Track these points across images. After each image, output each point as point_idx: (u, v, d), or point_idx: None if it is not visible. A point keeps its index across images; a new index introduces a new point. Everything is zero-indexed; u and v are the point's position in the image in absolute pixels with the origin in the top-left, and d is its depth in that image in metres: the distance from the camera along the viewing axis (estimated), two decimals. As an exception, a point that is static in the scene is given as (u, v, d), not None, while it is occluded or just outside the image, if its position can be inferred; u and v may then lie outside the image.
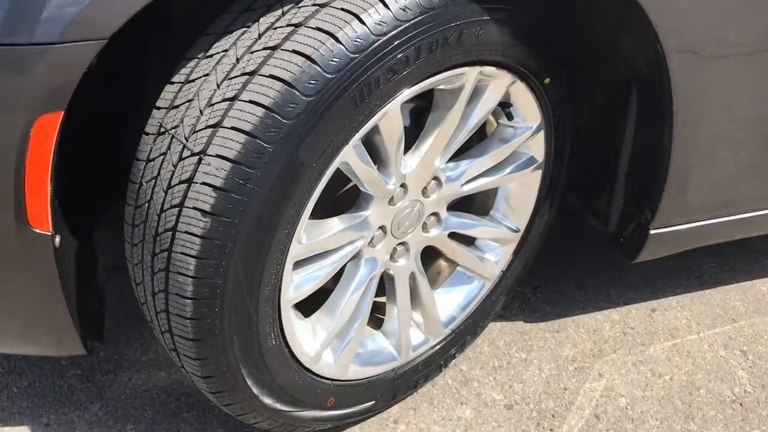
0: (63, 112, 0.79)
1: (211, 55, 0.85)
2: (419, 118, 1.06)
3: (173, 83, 0.87)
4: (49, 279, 0.89)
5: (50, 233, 0.85)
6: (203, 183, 0.81)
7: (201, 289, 0.85)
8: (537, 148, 1.16)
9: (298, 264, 0.97)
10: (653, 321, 1.39)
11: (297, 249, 0.93)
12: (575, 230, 1.48)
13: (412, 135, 1.03)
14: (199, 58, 0.86)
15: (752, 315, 1.41)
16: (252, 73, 0.81)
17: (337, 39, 0.81)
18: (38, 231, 0.84)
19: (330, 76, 0.81)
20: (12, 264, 0.87)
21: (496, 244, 1.25)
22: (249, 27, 0.85)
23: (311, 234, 0.95)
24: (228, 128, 0.80)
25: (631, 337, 1.36)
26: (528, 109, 1.10)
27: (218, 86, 0.83)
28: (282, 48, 0.81)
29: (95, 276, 1.16)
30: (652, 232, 1.19)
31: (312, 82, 0.80)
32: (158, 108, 0.88)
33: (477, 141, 1.16)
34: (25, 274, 0.89)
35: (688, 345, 1.34)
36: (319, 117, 0.82)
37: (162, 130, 0.86)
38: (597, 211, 1.30)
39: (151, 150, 0.87)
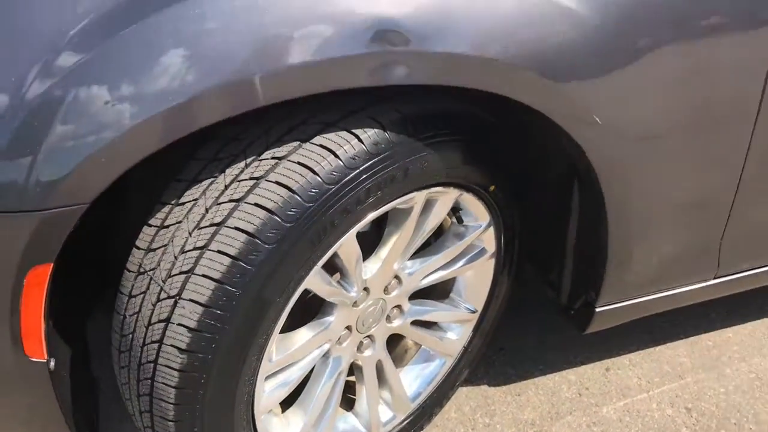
0: (52, 264, 0.89)
1: (183, 203, 0.96)
2: (380, 224, 1.17)
3: (150, 226, 0.98)
4: (46, 399, 0.99)
5: (45, 360, 0.96)
6: (179, 324, 0.92)
7: (180, 412, 0.96)
8: (489, 241, 1.27)
9: (270, 375, 1.08)
10: (607, 381, 1.51)
11: (267, 367, 1.04)
12: (538, 289, 1.58)
13: (373, 239, 1.14)
14: (172, 204, 0.97)
15: (698, 371, 1.53)
16: (219, 224, 0.91)
17: (293, 191, 0.91)
18: (34, 360, 0.95)
19: (288, 224, 0.91)
20: (9, 388, 0.98)
21: (458, 324, 1.36)
22: (216, 177, 0.95)
23: (280, 349, 1.06)
24: (199, 275, 0.91)
25: (586, 398, 1.47)
26: (477, 211, 1.21)
27: (190, 234, 0.93)
28: (245, 201, 0.92)
29: (88, 364, 1.26)
30: (597, 310, 1.30)
31: (272, 231, 0.91)
32: (138, 248, 0.98)
33: (435, 238, 1.27)
34: (22, 397, 0.99)
35: (639, 404, 1.46)
36: (280, 260, 0.92)
37: (142, 270, 0.97)
38: (551, 283, 1.41)
39: (132, 287, 0.98)
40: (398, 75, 0.90)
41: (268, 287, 0.93)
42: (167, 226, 0.96)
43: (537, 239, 1.37)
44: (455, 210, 1.21)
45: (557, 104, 0.99)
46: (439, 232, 1.27)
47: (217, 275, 0.90)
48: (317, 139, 0.94)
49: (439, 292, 1.35)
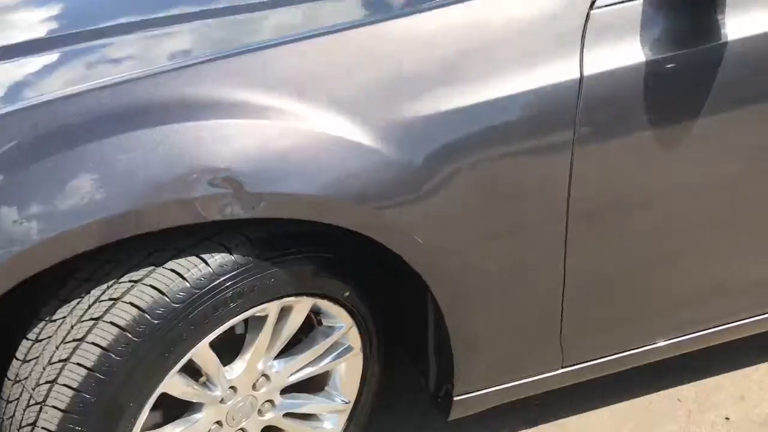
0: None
1: (55, 320, 1.11)
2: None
3: (28, 339, 1.13)
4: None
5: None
6: (43, 427, 1.06)
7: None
8: (354, 339, 1.42)
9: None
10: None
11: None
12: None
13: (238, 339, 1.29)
14: (46, 321, 1.12)
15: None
16: (80, 340, 1.07)
17: (143, 310, 1.07)
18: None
19: (138, 340, 1.07)
20: None
21: (333, 414, 1.50)
22: (83, 297, 1.11)
23: (146, 447, 1.20)
24: (61, 384, 1.06)
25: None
26: (338, 313, 1.37)
27: (56, 348, 1.09)
28: (102, 319, 1.08)
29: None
30: (455, 398, 1.44)
31: (123, 345, 1.07)
32: (16, 359, 1.14)
33: (305, 335, 1.42)
34: None
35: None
36: (132, 371, 1.08)
37: (18, 378, 1.12)
38: (422, 372, 1.55)
39: (10, 393, 1.13)
40: (238, 211, 1.08)
41: (121, 394, 1.08)
42: (40, 340, 1.11)
43: (405, 332, 1.53)
44: (317, 314, 1.37)
45: (377, 228, 1.16)
46: (310, 330, 1.42)
47: (74, 384, 1.05)
48: (169, 264, 1.11)
49: (315, 384, 1.49)
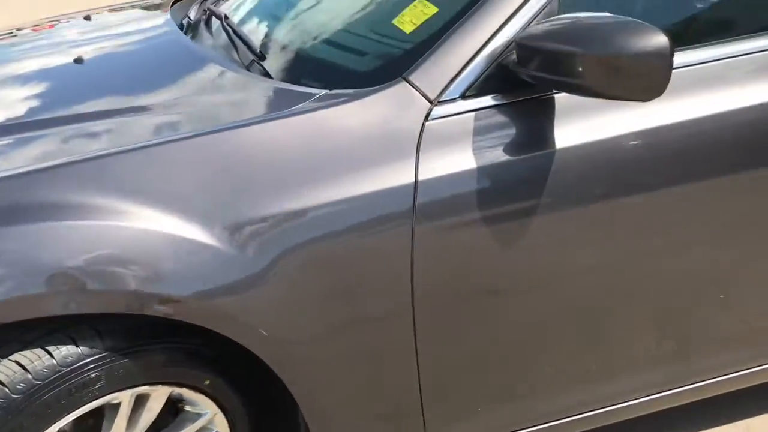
0: None
1: None
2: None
3: None
4: None
5: None
6: None
7: None
8: (222, 425, 1.46)
9: None
10: None
11: None
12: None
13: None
14: None
15: None
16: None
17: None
18: None
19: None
20: None
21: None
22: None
23: None
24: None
25: None
26: (201, 400, 1.41)
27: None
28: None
29: None
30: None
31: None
32: None
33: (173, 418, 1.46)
34: None
35: None
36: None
37: None
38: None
39: None
40: (79, 307, 1.14)
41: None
42: None
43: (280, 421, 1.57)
44: (179, 401, 1.41)
45: (221, 322, 1.22)
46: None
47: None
48: (14, 356, 1.17)
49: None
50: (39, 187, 1.15)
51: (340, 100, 1.29)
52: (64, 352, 1.18)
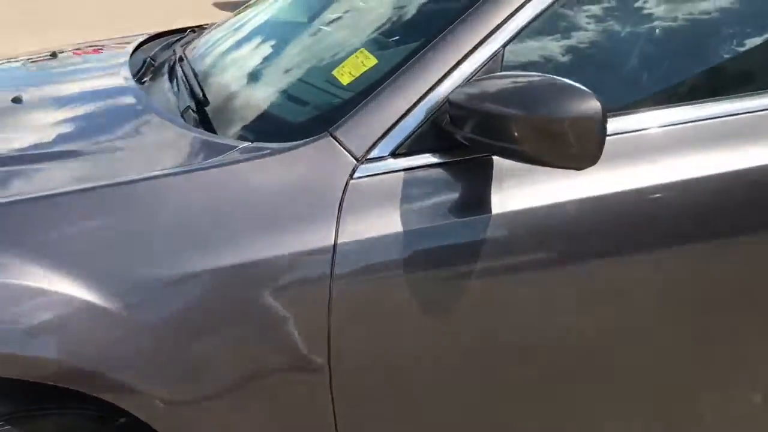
0: None
1: None
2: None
3: None
4: None
5: None
6: None
7: None
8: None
9: None
10: None
11: None
12: None
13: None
14: None
15: None
16: None
17: None
18: None
19: None
20: None
21: None
22: None
23: None
24: None
25: None
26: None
27: None
28: None
29: None
30: None
31: None
32: None
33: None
34: None
35: None
36: None
37: None
38: None
39: None
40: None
41: None
42: None
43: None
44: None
45: (111, 388, 1.13)
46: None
47: None
48: None
49: None
50: None
51: (259, 153, 1.22)
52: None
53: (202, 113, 1.46)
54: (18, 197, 1.13)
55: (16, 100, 1.60)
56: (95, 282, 1.09)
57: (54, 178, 1.24)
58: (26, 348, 1.07)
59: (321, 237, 1.17)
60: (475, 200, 1.25)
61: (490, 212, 1.23)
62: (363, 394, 1.27)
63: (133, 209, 1.15)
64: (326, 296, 1.18)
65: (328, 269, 1.17)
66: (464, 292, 1.24)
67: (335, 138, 1.22)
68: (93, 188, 1.14)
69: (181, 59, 1.80)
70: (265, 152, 1.22)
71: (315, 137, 1.23)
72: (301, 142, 1.23)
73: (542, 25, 1.32)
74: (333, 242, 1.17)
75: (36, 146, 1.36)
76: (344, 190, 1.19)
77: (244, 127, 1.39)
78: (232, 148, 1.24)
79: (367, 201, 1.20)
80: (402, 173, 1.22)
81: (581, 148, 1.10)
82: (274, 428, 1.26)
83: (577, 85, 1.11)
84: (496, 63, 1.27)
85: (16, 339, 1.07)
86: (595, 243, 1.26)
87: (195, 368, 1.16)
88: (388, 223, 1.20)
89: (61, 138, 1.41)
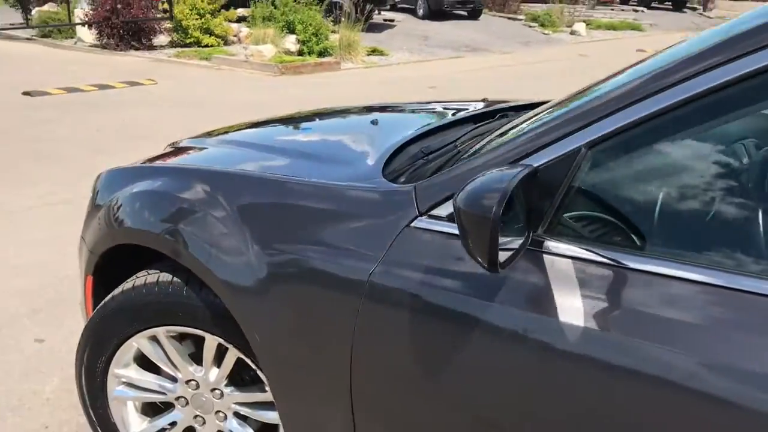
0: (91, 275, 2.07)
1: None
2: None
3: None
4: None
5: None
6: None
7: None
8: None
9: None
10: None
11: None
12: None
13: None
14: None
15: None
16: (100, 293, 1.94)
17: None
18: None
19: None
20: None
21: None
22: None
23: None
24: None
25: None
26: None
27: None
28: (110, 288, 1.92)
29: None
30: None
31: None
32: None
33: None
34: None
35: None
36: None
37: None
38: None
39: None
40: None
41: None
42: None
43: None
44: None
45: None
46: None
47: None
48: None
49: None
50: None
51: (367, 185, 1.59)
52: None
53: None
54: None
55: (374, 122, 2.30)
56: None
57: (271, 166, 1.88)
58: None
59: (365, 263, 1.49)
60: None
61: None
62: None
63: (281, 195, 1.69)
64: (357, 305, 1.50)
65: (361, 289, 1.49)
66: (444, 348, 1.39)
67: (415, 190, 1.50)
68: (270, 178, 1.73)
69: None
70: (369, 186, 1.59)
71: (407, 185, 1.53)
72: (398, 186, 1.55)
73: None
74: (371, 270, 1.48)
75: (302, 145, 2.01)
76: (399, 233, 1.48)
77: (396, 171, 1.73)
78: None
79: (412, 246, 1.46)
80: (442, 233, 1.43)
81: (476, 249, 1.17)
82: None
83: (499, 186, 1.17)
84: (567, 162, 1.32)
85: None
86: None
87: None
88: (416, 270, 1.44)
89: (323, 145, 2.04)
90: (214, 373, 1.95)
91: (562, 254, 1.27)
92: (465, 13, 20.45)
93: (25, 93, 8.84)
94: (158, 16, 13.58)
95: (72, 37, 14.10)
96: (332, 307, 1.54)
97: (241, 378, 1.96)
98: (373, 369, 1.52)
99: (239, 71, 11.60)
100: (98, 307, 2.02)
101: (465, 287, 1.38)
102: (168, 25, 13.61)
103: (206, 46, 13.28)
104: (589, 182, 1.30)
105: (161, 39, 13.75)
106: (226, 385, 1.96)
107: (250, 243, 1.66)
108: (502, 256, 1.20)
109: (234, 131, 2.51)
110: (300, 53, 13.05)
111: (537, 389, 1.28)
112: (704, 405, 1.10)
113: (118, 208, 2.02)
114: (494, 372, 1.33)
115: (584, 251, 1.26)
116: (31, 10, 15.40)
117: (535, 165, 1.29)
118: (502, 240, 1.20)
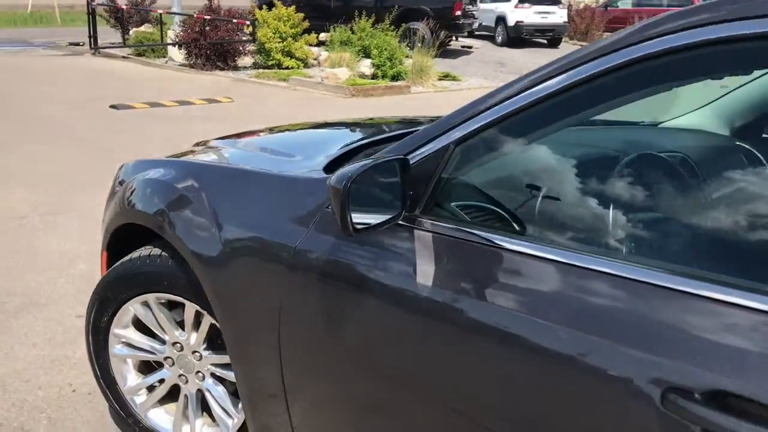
0: (106, 251, 2.46)
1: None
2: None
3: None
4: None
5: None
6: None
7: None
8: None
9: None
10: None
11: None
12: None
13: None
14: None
15: None
16: (103, 263, 2.31)
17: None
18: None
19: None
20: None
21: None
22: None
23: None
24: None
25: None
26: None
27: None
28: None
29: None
30: None
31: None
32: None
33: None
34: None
35: None
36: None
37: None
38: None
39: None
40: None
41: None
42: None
43: None
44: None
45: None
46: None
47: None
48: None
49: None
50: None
51: (300, 176, 1.90)
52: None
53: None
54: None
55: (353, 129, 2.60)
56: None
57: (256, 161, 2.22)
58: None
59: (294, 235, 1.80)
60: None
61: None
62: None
63: (239, 183, 2.02)
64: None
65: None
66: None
67: (328, 180, 1.80)
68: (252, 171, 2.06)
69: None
70: (305, 177, 1.90)
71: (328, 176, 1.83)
72: (322, 177, 1.86)
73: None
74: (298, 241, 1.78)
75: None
76: (320, 213, 1.77)
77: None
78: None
79: (326, 224, 1.75)
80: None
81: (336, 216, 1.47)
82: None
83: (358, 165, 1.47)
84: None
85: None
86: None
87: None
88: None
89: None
90: (193, 337, 2.28)
91: (431, 231, 1.54)
92: (545, 41, 20.57)
93: (112, 106, 9.62)
94: (243, 38, 14.35)
95: (164, 57, 15.10)
96: (267, 274, 1.85)
97: (217, 342, 2.29)
98: (295, 329, 1.81)
99: (313, 92, 12.15)
100: (104, 275, 2.40)
101: (354, 255, 1.66)
102: (252, 47, 14.37)
103: (287, 68, 13.95)
104: (457, 172, 1.56)
105: (246, 60, 14.53)
106: (205, 349, 2.29)
107: (213, 220, 1.99)
108: (362, 224, 1.48)
109: (253, 136, 2.87)
110: (374, 77, 13.53)
111: (406, 342, 1.54)
112: (525, 355, 1.33)
113: (129, 193, 2.40)
114: (375, 324, 1.61)
115: (451, 229, 1.52)
116: (128, 31, 16.57)
117: (402, 156, 1.56)
118: (374, 215, 1.49)
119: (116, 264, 2.37)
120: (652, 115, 2.18)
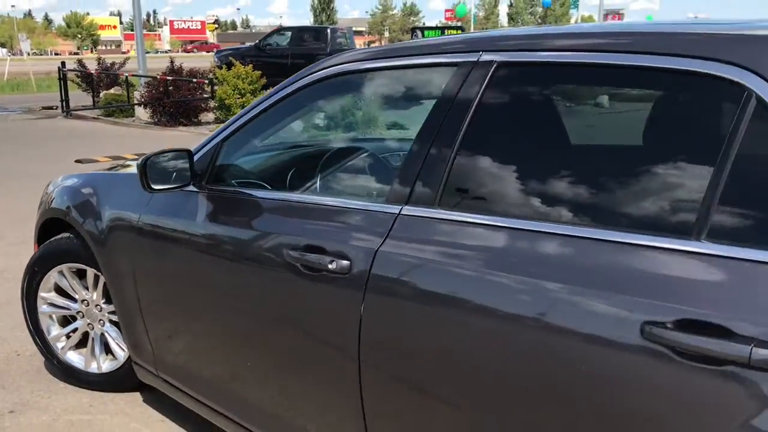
0: (37, 244, 3.48)
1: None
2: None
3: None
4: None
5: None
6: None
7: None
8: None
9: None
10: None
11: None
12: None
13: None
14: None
15: None
16: (31, 245, 3.32)
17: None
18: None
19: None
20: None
21: (124, 340, 3.32)
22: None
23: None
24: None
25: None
26: (119, 289, 3.23)
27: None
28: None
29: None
30: (138, 352, 3.11)
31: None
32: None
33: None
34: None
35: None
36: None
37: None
38: None
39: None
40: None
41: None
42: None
43: None
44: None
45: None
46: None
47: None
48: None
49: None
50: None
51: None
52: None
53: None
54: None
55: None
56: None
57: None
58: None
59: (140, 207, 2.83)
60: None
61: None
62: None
63: (117, 184, 3.05)
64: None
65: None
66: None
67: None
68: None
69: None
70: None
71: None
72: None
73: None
74: (140, 214, 2.82)
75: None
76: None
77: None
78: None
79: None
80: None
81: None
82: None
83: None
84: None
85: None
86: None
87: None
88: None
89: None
90: (95, 295, 3.29)
91: (211, 192, 2.58)
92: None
93: (77, 161, 10.67)
94: (204, 96, 15.52)
95: (131, 116, 16.25)
96: (126, 240, 2.88)
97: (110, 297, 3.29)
98: (142, 277, 2.83)
99: (266, 142, 13.24)
100: (33, 254, 3.42)
101: (167, 218, 2.69)
102: (213, 104, 15.53)
103: (244, 121, 15.05)
104: (226, 158, 2.62)
105: (208, 116, 15.67)
106: (104, 303, 3.29)
107: (99, 210, 3.02)
108: (164, 187, 2.53)
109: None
110: (325, 126, 14.66)
111: (199, 272, 2.59)
112: (303, 284, 2.37)
113: (50, 197, 3.42)
114: (182, 264, 2.64)
115: (222, 191, 2.56)
116: (99, 93, 17.76)
117: (189, 149, 2.61)
118: (170, 184, 2.54)
119: (41, 246, 3.38)
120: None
